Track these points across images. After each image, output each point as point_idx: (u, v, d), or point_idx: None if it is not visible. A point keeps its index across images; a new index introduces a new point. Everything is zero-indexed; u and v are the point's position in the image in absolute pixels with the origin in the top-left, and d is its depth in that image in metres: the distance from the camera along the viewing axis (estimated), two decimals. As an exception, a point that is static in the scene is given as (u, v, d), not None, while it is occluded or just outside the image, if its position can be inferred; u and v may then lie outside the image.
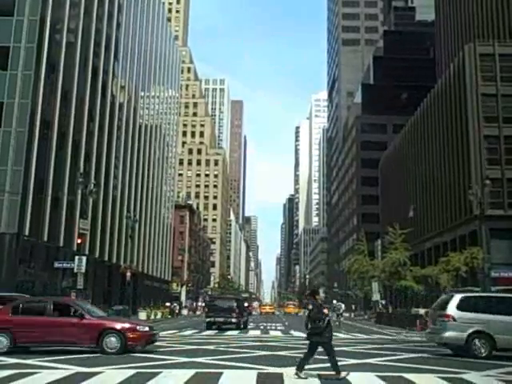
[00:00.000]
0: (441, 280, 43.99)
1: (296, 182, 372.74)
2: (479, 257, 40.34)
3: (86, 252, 49.24)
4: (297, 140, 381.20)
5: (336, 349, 19.19)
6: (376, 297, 63.65)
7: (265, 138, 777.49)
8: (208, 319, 34.68)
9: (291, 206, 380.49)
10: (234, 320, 33.90)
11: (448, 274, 43.72)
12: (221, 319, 34.00)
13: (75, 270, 32.87)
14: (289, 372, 12.36)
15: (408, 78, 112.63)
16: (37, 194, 41.51)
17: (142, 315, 52.61)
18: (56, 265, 35.51)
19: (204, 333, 29.36)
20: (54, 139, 45.06)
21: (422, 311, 47.75)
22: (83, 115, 52.29)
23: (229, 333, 30.20)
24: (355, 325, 51.29)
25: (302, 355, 16.23)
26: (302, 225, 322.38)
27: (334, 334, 31.36)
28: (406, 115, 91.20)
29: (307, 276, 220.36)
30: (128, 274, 46.40)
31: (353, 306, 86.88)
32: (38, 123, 42.37)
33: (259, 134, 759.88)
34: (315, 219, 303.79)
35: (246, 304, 43.85)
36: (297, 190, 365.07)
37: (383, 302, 66.50)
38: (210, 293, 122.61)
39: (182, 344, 21.09)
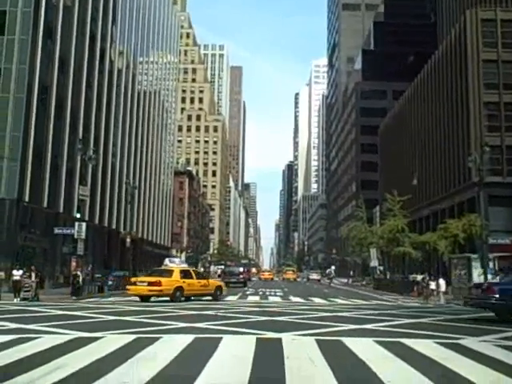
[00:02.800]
0: (439, 246, 44.23)
1: (295, 148, 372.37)
2: (477, 224, 40.50)
3: (86, 218, 49.49)
4: (296, 107, 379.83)
5: (334, 314, 19.42)
6: (374, 263, 64.09)
7: (264, 104, 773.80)
8: (225, 280, 46.11)
9: (290, 172, 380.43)
10: (241, 280, 50.94)
11: (446, 240, 43.92)
12: (234, 280, 49.96)
13: (75, 236, 33.04)
14: (288, 337, 12.47)
15: (409, 44, 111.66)
16: (36, 161, 41.45)
17: (142, 281, 53.07)
18: (56, 231, 35.65)
19: (203, 298, 29.63)
20: (53, 106, 44.82)
21: (419, 277, 48.14)
22: (81, 81, 51.97)
23: (228, 298, 30.47)
24: (353, 290, 51.75)
25: (301, 321, 16.42)
26: (300, 191, 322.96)
27: (333, 299, 31.75)
28: (406, 81, 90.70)
29: (306, 242, 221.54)
30: (128, 239, 46.53)
31: (351, 272, 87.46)
32: (35, 89, 42.10)
33: (259, 100, 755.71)
34: (314, 186, 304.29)
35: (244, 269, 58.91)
36: (296, 157, 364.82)
37: (381, 268, 67.01)
38: (209, 259, 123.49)
39: (181, 309, 21.27)
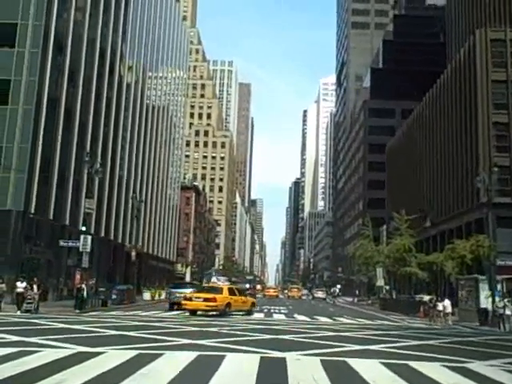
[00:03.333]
0: (446, 267, 43.84)
1: (302, 165, 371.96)
2: (485, 245, 40.10)
3: (92, 231, 49.41)
4: (304, 124, 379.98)
5: (339, 334, 19.17)
6: (380, 282, 63.62)
7: (272, 121, 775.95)
8: None
9: (297, 189, 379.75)
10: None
11: (453, 261, 43.53)
12: None
13: (80, 249, 32.92)
14: (292, 357, 12.26)
15: (418, 63, 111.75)
16: (43, 173, 41.41)
17: (147, 295, 52.75)
18: (61, 243, 35.54)
19: (209, 314, 29.43)
20: (61, 118, 44.82)
21: (426, 298, 47.73)
22: (90, 94, 51.96)
23: (232, 315, 30.25)
24: (358, 310, 51.36)
25: (306, 340, 16.15)
26: (307, 208, 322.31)
27: (338, 318, 31.46)
28: (414, 100, 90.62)
29: (311, 260, 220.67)
30: (133, 253, 46.42)
31: (356, 291, 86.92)
32: (44, 101, 42.15)
33: (267, 116, 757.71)
34: (321, 203, 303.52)
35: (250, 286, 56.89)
36: (303, 174, 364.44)
37: (387, 287, 66.50)
38: (214, 274, 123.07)
39: (184, 325, 21.07)
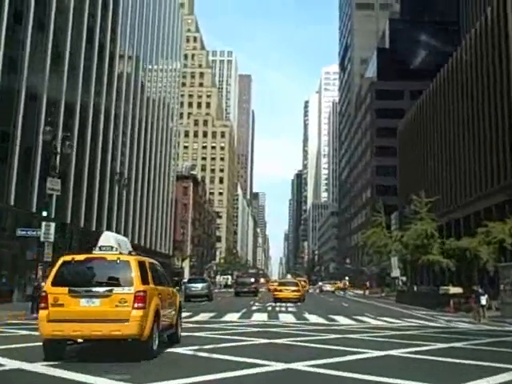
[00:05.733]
0: (481, 253, 37.46)
1: (304, 157, 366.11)
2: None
3: (68, 220, 43.27)
4: (306, 115, 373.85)
5: (382, 352, 11.54)
6: (395, 273, 57.63)
7: (273, 113, 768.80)
8: (236, 290, 53.00)
9: (299, 181, 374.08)
10: (253, 290, 52.58)
11: (489, 246, 37.24)
12: (245, 289, 51.92)
13: (42, 239, 26.68)
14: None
15: (427, 42, 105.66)
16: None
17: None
18: (19, 233, 29.30)
19: (200, 316, 23.33)
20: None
21: (453, 289, 41.61)
22: (78, 79, 46.73)
23: (227, 316, 24.10)
24: (374, 304, 45.08)
25: (339, 372, 9.47)
26: (310, 200, 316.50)
27: (359, 317, 25.30)
28: (424, 81, 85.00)
29: (316, 252, 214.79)
30: (115, 245, 40.13)
31: (367, 283, 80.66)
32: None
33: (268, 109, 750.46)
34: (324, 194, 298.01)
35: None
36: (305, 166, 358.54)
37: (403, 278, 60.34)
38: (214, 268, 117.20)
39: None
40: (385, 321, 24.32)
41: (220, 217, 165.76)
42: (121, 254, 11.02)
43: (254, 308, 32.37)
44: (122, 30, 60.56)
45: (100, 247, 11.09)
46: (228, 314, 26.03)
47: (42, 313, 10.36)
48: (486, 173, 53.89)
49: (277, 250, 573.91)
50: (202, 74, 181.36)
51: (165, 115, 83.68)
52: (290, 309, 32.24)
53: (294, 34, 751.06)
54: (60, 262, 10.83)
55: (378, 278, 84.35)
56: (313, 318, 24.31)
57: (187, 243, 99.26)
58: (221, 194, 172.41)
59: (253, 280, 56.90)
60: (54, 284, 10.45)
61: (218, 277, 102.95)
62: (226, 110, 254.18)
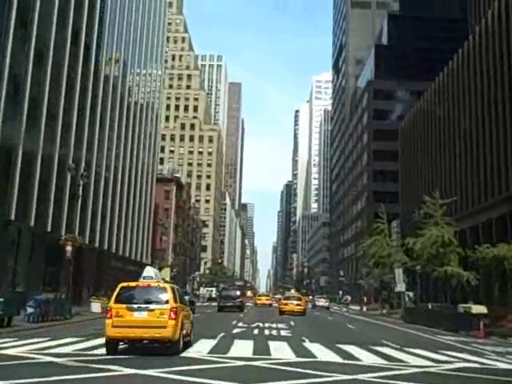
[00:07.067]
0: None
1: (294, 167, 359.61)
2: None
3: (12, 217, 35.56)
4: (296, 124, 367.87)
5: None
6: (400, 287, 50.06)
7: (263, 124, 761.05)
8: (219, 305, 47.44)
9: (289, 192, 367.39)
10: (238, 304, 47.17)
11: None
12: (230, 304, 46.99)
13: None
14: None
15: (428, 39, 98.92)
16: None
17: (96, 306, 39.00)
18: None
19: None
20: None
21: (476, 308, 34.26)
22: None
23: (197, 346, 16.55)
24: (382, 325, 37.51)
25: None
26: (299, 211, 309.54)
27: (383, 352, 17.12)
28: (424, 80, 78.96)
29: (305, 264, 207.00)
30: (68, 248, 32.50)
31: (365, 299, 73.16)
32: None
33: (258, 119, 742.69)
34: (314, 205, 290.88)
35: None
36: (295, 176, 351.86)
37: (410, 294, 52.86)
38: (198, 279, 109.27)
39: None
40: (420, 356, 16.80)
41: (206, 225, 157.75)
42: (158, 281, 15.79)
43: (237, 331, 24.71)
44: (108, 33, 57.93)
45: (144, 277, 15.74)
46: (199, 341, 18.51)
47: (108, 321, 14.55)
48: (504, 173, 46.83)
49: (265, 262, 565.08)
50: (189, 76, 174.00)
51: (147, 117, 76.72)
52: (282, 332, 24.61)
53: (284, 46, 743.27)
54: (119, 287, 15.15)
55: (376, 292, 76.89)
56: (318, 351, 16.69)
57: (168, 251, 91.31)
58: (207, 201, 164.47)
59: (238, 293, 50.86)
60: (115, 302, 14.73)
61: (201, 289, 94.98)
62: (214, 116, 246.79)
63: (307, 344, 19.22)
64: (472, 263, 40.72)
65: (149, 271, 16.16)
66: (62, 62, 45.12)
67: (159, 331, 14.40)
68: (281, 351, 16.40)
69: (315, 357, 15.26)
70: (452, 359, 16.50)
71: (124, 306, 14.52)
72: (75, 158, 44.66)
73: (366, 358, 15.66)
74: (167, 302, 14.73)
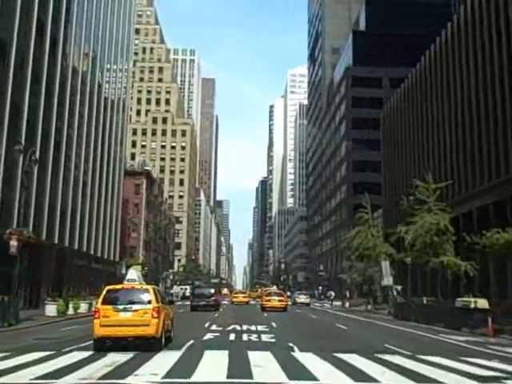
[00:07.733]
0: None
1: (270, 163, 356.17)
2: None
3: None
4: (271, 119, 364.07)
5: None
6: (387, 281, 46.40)
7: (237, 120, 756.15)
8: (192, 304, 43.92)
9: (264, 188, 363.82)
10: (212, 303, 43.94)
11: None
12: (203, 303, 43.67)
13: None
14: None
15: (408, 25, 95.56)
16: None
17: (51, 309, 34.55)
18: None
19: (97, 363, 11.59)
20: None
21: (481, 303, 30.50)
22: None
23: (146, 367, 12.24)
24: (373, 323, 33.54)
25: None
26: (275, 207, 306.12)
27: (395, 363, 12.79)
28: (405, 67, 76.30)
29: (282, 260, 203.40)
30: (13, 242, 27.94)
31: (347, 294, 69.37)
32: None
33: (232, 116, 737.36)
34: (290, 200, 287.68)
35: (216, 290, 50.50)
36: (271, 172, 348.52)
37: (398, 287, 49.12)
38: (171, 277, 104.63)
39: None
40: (447, 368, 12.72)
41: (180, 222, 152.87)
42: (141, 283, 17.20)
43: (209, 336, 20.42)
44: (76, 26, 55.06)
45: (128, 280, 17.31)
46: (158, 354, 14.37)
47: (96, 321, 15.60)
48: (499, 158, 43.25)
49: (241, 258, 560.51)
50: (161, 69, 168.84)
51: (113, 107, 72.21)
52: (264, 337, 20.33)
53: (260, 42, 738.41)
54: (106, 289, 16.56)
55: (359, 286, 73.24)
56: (314, 367, 12.41)
57: (139, 248, 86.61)
58: (181, 197, 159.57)
59: (212, 291, 47.23)
60: (102, 303, 15.91)
61: (175, 287, 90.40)
62: (187, 111, 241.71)
63: (297, 354, 15.04)
64: (468, 252, 37.10)
65: (132, 274, 17.75)
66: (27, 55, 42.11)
67: (143, 329, 15.51)
68: (265, 369, 12.06)
69: (315, 378, 10.94)
70: (491, 372, 12.48)
71: (110, 307, 15.74)
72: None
73: (380, 374, 11.53)
74: (150, 302, 15.91)
